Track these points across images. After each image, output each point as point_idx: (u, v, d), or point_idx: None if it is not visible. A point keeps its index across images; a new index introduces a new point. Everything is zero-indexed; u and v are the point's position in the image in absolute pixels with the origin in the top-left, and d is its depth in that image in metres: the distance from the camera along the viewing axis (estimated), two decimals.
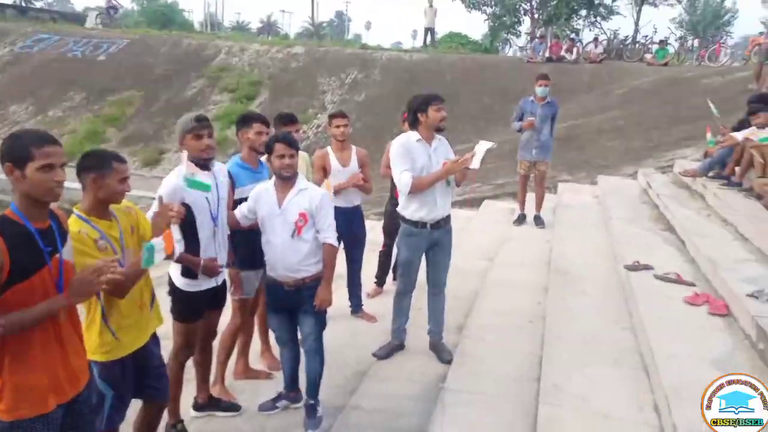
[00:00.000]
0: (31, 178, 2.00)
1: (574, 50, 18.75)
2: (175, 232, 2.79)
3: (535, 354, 3.82)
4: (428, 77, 17.38)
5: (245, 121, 3.79)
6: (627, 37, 21.59)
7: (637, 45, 20.25)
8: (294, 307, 3.44)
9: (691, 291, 4.12)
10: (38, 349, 2.06)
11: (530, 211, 7.07)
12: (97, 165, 2.50)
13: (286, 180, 3.33)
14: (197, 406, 3.63)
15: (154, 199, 3.01)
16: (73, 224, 2.44)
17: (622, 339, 3.81)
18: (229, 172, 3.60)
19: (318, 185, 3.74)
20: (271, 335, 4.32)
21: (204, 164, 3.18)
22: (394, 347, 4.25)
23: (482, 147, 3.85)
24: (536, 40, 20.28)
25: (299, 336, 3.55)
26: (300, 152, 4.12)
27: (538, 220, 6.95)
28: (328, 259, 3.39)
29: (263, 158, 3.70)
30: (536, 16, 27.35)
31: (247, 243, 3.64)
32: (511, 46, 27.19)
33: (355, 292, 4.98)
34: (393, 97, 16.45)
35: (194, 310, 3.27)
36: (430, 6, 21.88)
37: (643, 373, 3.37)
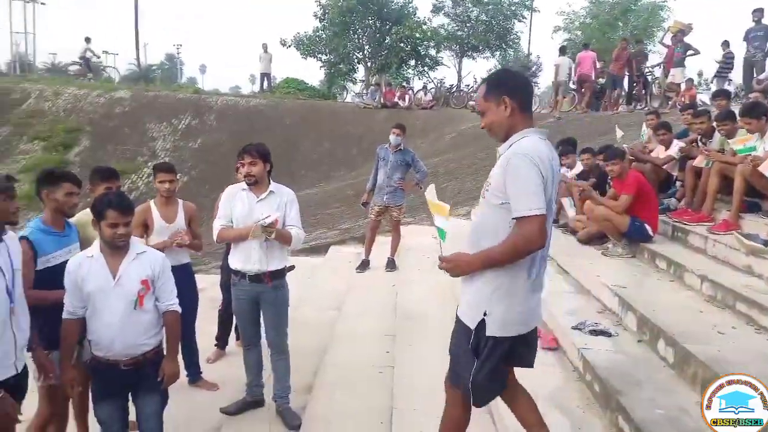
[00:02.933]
0: None
1: (407, 97, 19.88)
2: None
3: (386, 408, 3.72)
4: (267, 123, 17.23)
5: (51, 179, 3.30)
6: (452, 85, 23.42)
7: (461, 93, 22.02)
8: (131, 387, 3.04)
9: None
10: None
11: (375, 256, 7.12)
12: None
13: (119, 247, 2.94)
14: None
15: None
16: None
17: None
18: (27, 240, 3.09)
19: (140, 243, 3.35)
20: (91, 419, 3.77)
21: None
22: (247, 403, 4.03)
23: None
24: (371, 87, 21.20)
25: (125, 421, 3.10)
26: None
27: (391, 264, 6.98)
28: (173, 329, 3.11)
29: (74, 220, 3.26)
30: (369, 64, 28.70)
31: (53, 320, 3.12)
32: (348, 92, 28.14)
33: (191, 360, 4.54)
34: (231, 144, 16.00)
35: None
36: (265, 51, 21.90)
37: (487, 415, 3.42)
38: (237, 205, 3.83)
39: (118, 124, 16.76)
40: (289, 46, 28.23)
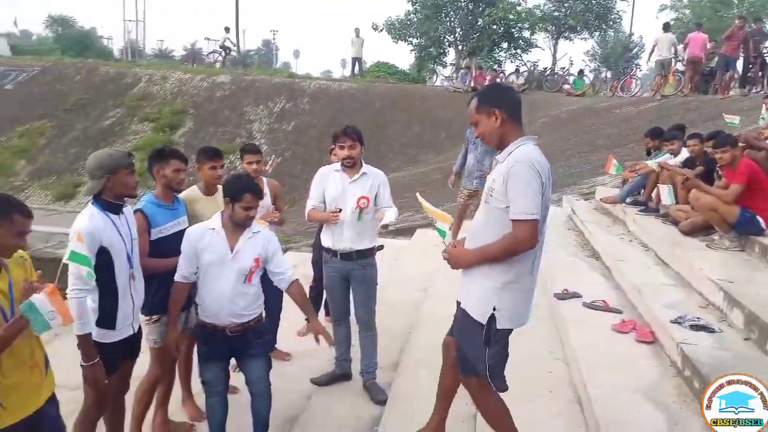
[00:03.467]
0: None
1: (498, 81, 19.44)
2: (74, 306, 2.59)
3: None
4: (357, 106, 17.49)
5: (161, 156, 3.53)
6: (546, 68, 22.63)
7: (555, 76, 21.24)
8: (236, 352, 3.27)
9: (618, 318, 4.19)
10: None
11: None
12: None
13: (239, 225, 3.17)
14: None
15: (65, 234, 2.76)
16: None
17: (556, 370, 3.80)
18: (143, 212, 3.35)
19: None
20: (194, 383, 4.05)
21: (121, 204, 2.99)
22: (336, 376, 4.19)
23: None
24: (462, 70, 20.91)
25: (227, 383, 3.36)
26: (221, 187, 3.94)
27: None
28: (303, 295, 3.35)
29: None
30: (460, 47, 28.29)
31: (166, 286, 3.40)
32: (437, 76, 27.89)
33: (270, 331, 4.75)
34: (322, 126, 16.42)
35: (109, 362, 2.94)
36: (357, 36, 22.15)
37: (577, 406, 3.35)
38: (330, 186, 3.95)
39: (219, 107, 17.64)
40: (381, 30, 28.38)
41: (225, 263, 3.12)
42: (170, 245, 3.42)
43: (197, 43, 32.00)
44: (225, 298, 3.12)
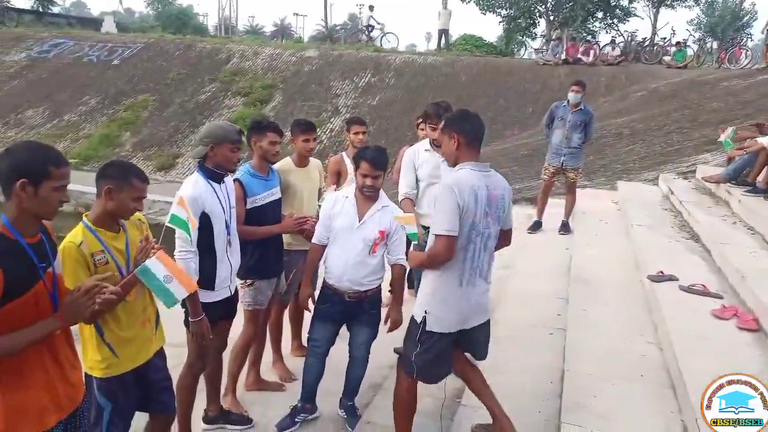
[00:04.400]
0: (43, 197, 1.93)
1: (591, 52, 18.52)
2: (182, 267, 2.72)
3: (556, 368, 3.68)
4: (442, 80, 17.29)
5: (259, 128, 3.68)
6: (645, 39, 21.23)
7: (655, 47, 19.93)
8: (349, 317, 3.44)
9: (718, 303, 3.97)
10: (34, 367, 1.99)
11: (548, 218, 6.92)
12: (117, 176, 2.44)
13: (368, 196, 3.33)
14: (208, 419, 3.53)
15: (168, 203, 2.95)
16: (77, 235, 2.38)
17: (648, 353, 3.67)
18: (240, 181, 3.52)
19: (332, 190, 3.69)
20: (285, 346, 4.25)
21: (223, 174, 3.17)
22: None
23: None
24: (552, 42, 20.08)
25: (329, 347, 3.52)
26: (314, 160, 4.06)
27: (566, 227, 6.74)
28: (400, 280, 3.45)
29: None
30: (552, 18, 27.14)
31: (260, 252, 3.59)
32: (526, 49, 26.95)
33: None
34: (406, 101, 16.40)
35: (208, 320, 3.14)
36: (444, 8, 21.77)
37: (670, 390, 3.22)
38: (423, 165, 3.99)
39: (306, 81, 18.02)
40: (468, 1, 27.70)
41: (352, 231, 3.29)
42: (264, 214, 3.59)
43: (286, 19, 32.62)
44: (348, 264, 3.30)
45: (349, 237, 3.29)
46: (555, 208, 6.97)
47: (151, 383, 2.70)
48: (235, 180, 3.55)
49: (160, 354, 2.77)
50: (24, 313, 1.92)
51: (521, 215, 7.72)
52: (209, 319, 3.12)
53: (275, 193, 3.73)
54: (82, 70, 19.30)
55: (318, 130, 14.52)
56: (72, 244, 2.32)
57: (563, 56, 18.44)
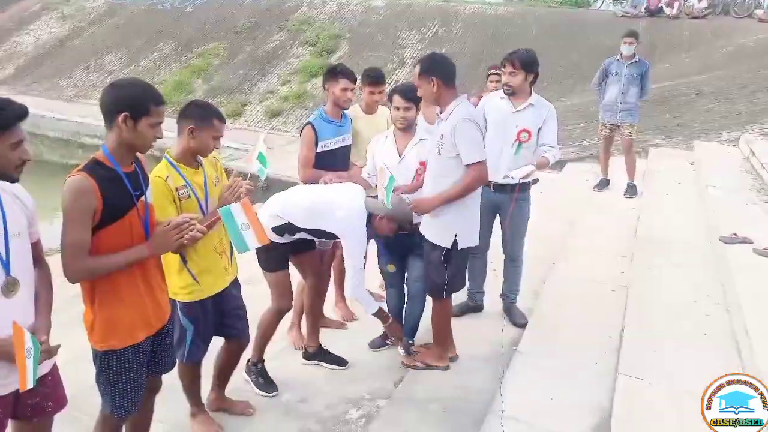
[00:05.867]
0: (141, 131, 2.09)
1: (676, 4, 17.32)
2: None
3: (616, 324, 3.67)
4: (512, 33, 16.70)
5: (333, 74, 3.72)
6: None
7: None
8: (405, 250, 3.56)
9: None
10: (126, 286, 2.19)
11: (614, 175, 6.73)
12: (199, 116, 2.60)
13: (404, 130, 3.44)
14: (307, 355, 3.69)
15: (236, 149, 3.09)
16: (162, 169, 2.57)
17: (714, 315, 3.60)
18: (312, 125, 3.62)
19: None
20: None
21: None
22: (469, 307, 4.22)
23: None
24: None
25: (402, 277, 3.68)
26: (382, 107, 4.09)
27: (632, 189, 6.41)
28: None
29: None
30: None
31: None
32: (604, 0, 25.47)
33: None
34: (474, 53, 15.99)
35: (281, 258, 3.29)
36: None
37: (735, 352, 3.18)
38: (491, 111, 3.84)
39: (373, 32, 17.81)
40: None
41: (393, 167, 3.38)
42: (333, 159, 3.69)
43: None
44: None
45: (392, 172, 3.35)
46: (623, 167, 6.75)
47: (227, 310, 2.90)
48: (307, 123, 3.66)
49: (235, 284, 2.97)
50: (119, 237, 2.12)
51: (589, 173, 7.54)
52: (283, 256, 3.27)
53: (346, 140, 3.80)
54: (157, 17, 19.78)
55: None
56: (159, 179, 2.51)
57: (644, 7, 17.37)
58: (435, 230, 3.26)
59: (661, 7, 17.37)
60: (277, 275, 3.31)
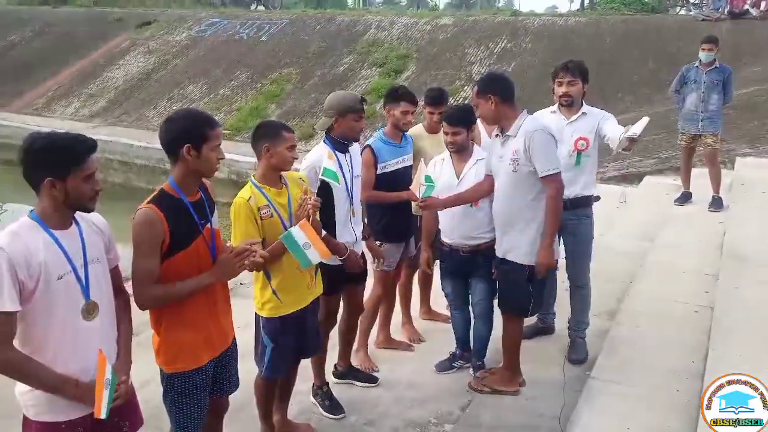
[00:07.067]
0: (205, 157, 2.20)
1: (763, 3, 16.30)
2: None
3: (699, 348, 3.44)
4: (584, 43, 16.28)
5: (394, 97, 3.76)
6: None
7: None
8: (468, 272, 3.54)
9: None
10: (191, 311, 2.28)
11: (696, 188, 6.35)
12: (269, 134, 2.74)
13: (458, 153, 3.45)
14: (337, 373, 3.73)
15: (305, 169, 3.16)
16: (246, 191, 2.70)
17: None
18: (371, 148, 3.65)
19: None
20: (414, 308, 4.39)
21: (347, 144, 3.26)
22: (539, 329, 4.09)
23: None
24: None
25: (465, 298, 3.66)
26: None
27: (717, 203, 6.03)
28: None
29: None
30: None
31: (388, 217, 3.71)
32: (682, 5, 24.38)
33: None
34: (544, 66, 15.66)
35: (333, 282, 3.25)
36: None
37: None
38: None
39: (440, 50, 17.87)
40: None
41: (452, 189, 3.39)
42: (393, 180, 3.69)
43: None
44: (455, 220, 3.44)
45: (451, 194, 3.40)
46: (706, 179, 6.37)
47: (308, 329, 2.96)
48: (366, 146, 3.69)
49: (317, 302, 3.03)
50: (188, 264, 2.22)
51: (669, 186, 7.17)
52: (336, 281, 3.25)
53: (406, 160, 3.81)
54: (234, 47, 20.78)
55: (451, 99, 14.35)
56: (242, 200, 2.65)
57: (727, 9, 16.44)
58: (523, 249, 3.20)
59: (747, 9, 16.39)
60: (327, 298, 3.24)
